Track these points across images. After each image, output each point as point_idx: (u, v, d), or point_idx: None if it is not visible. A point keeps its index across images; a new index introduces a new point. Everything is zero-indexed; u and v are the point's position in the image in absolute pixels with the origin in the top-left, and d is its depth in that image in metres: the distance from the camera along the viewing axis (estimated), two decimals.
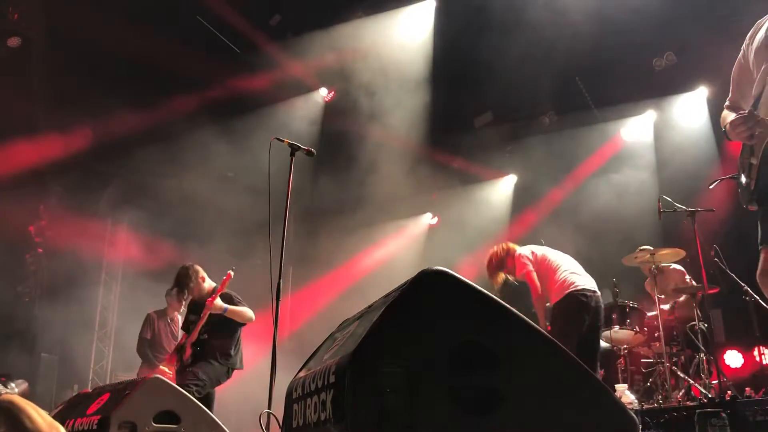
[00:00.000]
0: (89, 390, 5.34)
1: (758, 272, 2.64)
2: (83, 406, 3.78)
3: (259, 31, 9.55)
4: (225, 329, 5.44)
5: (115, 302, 10.37)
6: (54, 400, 8.57)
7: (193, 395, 5.05)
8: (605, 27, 8.37)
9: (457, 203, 12.48)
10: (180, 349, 5.55)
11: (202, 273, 5.67)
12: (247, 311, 5.45)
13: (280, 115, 10.49)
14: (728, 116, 2.88)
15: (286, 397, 2.29)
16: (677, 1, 8.06)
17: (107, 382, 8.74)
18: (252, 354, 7.17)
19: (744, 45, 2.96)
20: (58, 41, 8.20)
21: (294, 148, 4.46)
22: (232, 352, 5.46)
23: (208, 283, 5.68)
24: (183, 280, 5.57)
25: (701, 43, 8.41)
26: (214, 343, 5.39)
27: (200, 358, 5.37)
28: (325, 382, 1.84)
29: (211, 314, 5.31)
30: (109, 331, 10.19)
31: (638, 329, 6.34)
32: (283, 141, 4.46)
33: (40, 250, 9.19)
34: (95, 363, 9.94)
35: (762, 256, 2.62)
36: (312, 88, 11.03)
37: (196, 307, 5.58)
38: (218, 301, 5.31)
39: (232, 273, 5.36)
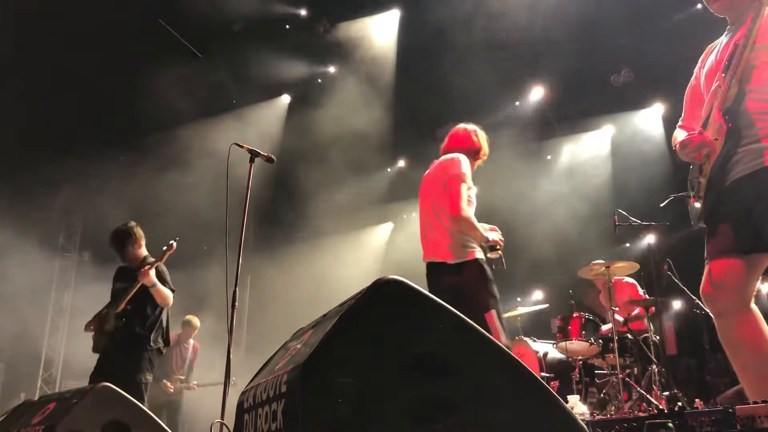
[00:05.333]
0: (36, 398, 5.18)
1: (701, 286, 2.73)
2: (28, 415, 3.65)
3: (222, 36, 9.47)
4: (150, 303, 5.08)
5: (67, 309, 10.11)
6: None
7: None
8: (566, 43, 8.54)
9: (418, 212, 12.50)
10: (103, 318, 5.16)
11: (142, 240, 5.31)
12: (169, 294, 5.12)
13: (241, 120, 10.40)
14: (679, 136, 2.99)
15: (237, 407, 2.25)
16: (634, 18, 8.28)
17: (56, 391, 8.50)
18: (207, 363, 7.06)
19: (696, 68, 3.07)
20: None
21: (254, 155, 4.38)
22: (154, 329, 5.07)
23: (143, 252, 5.31)
24: (121, 239, 5.21)
25: (657, 61, 8.64)
26: (136, 316, 5.02)
27: (119, 346, 5.00)
28: (277, 392, 1.81)
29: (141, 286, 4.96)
30: (60, 339, 9.93)
31: (593, 341, 6.44)
32: (242, 147, 4.39)
33: None
34: (44, 371, 9.66)
35: (705, 271, 2.70)
36: (275, 94, 10.97)
37: (125, 275, 5.21)
38: (152, 273, 4.96)
39: (174, 244, 5.04)
